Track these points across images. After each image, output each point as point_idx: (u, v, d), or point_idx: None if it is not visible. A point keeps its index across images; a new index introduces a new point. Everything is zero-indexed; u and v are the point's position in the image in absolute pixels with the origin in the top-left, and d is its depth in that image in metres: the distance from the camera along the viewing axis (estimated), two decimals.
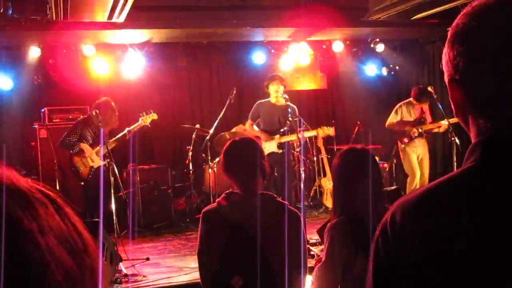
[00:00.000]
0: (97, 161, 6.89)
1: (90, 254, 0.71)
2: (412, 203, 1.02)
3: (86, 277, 0.69)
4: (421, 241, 0.97)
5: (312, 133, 7.77)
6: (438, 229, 0.96)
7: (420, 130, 8.19)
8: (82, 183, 7.00)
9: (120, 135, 6.98)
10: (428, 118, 8.31)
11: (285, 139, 7.32)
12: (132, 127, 7.08)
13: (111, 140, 6.85)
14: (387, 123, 8.45)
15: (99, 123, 6.53)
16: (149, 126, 7.31)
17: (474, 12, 1.00)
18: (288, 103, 7.23)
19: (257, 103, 7.54)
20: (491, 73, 0.97)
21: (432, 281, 0.94)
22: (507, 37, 0.95)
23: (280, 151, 7.37)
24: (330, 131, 7.78)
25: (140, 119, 7.16)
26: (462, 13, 1.02)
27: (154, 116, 7.28)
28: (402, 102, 8.43)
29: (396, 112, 8.36)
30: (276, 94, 7.29)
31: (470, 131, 1.05)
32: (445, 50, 1.04)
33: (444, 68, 1.05)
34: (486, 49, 0.97)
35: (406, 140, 8.27)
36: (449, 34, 1.04)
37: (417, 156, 8.31)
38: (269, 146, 7.35)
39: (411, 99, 8.30)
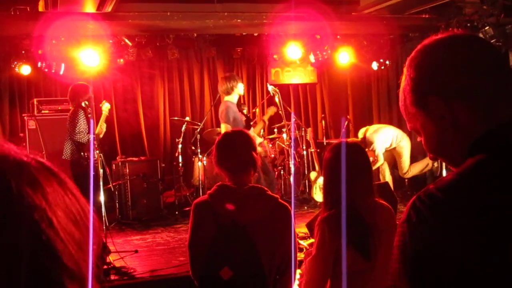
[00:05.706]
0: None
1: (91, 223, 0.73)
2: (437, 194, 1.05)
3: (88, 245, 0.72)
4: (445, 232, 1.00)
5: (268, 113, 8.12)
6: (464, 222, 0.99)
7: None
8: (73, 175, 6.71)
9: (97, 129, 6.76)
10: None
11: (266, 116, 8.02)
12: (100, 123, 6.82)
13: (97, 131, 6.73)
14: None
15: (89, 114, 6.45)
16: (108, 115, 7.08)
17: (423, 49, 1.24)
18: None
19: (229, 106, 6.81)
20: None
21: (457, 272, 0.97)
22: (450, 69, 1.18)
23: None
24: (271, 110, 8.08)
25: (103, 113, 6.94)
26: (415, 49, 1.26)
27: (106, 105, 7.05)
28: None
29: None
30: (240, 93, 7.04)
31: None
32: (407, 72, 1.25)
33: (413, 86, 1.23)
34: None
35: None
36: (407, 63, 1.25)
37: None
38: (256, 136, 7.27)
39: None
